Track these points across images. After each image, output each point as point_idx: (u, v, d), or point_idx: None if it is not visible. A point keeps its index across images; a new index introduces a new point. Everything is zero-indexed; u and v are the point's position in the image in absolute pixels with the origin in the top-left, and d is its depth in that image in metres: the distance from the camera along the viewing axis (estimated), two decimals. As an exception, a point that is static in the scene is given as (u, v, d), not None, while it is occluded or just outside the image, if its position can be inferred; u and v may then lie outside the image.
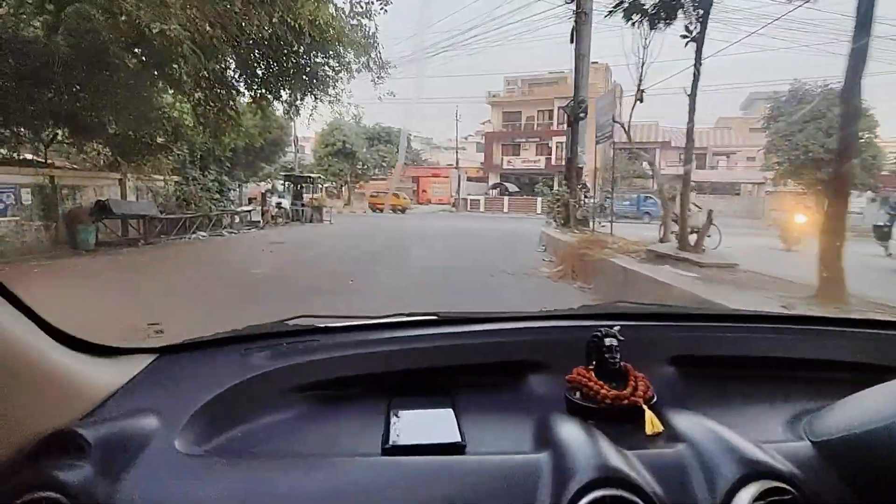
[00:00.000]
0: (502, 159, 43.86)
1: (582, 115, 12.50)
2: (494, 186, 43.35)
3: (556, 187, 43.65)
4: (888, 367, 0.98)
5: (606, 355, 0.97)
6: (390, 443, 0.85)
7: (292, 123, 23.61)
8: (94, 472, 0.72)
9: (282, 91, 11.45)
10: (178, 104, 11.41)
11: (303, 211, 21.04)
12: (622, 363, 0.98)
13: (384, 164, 41.82)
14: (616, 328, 1.00)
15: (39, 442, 0.75)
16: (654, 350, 1.12)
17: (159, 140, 12.26)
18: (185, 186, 15.92)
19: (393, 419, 0.93)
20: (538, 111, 43.41)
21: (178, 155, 15.29)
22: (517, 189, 42.68)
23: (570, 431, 0.83)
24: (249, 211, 19.25)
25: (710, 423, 0.85)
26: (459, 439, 0.86)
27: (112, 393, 0.92)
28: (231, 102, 11.06)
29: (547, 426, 0.88)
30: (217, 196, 17.27)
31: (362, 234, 18.21)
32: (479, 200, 40.31)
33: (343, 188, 40.39)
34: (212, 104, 10.70)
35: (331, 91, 12.45)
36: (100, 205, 12.03)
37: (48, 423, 0.78)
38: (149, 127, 11.46)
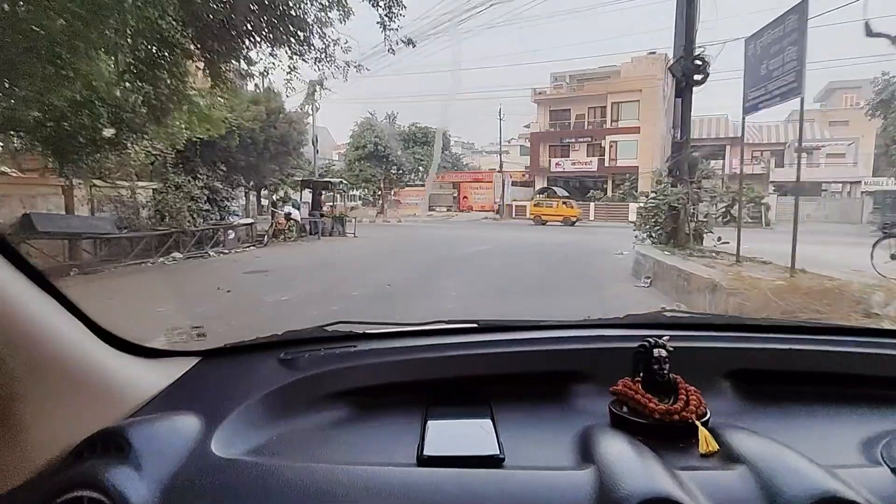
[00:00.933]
0: (549, 161, 39.81)
1: (698, 76, 8.25)
2: (542, 191, 39.25)
3: (609, 191, 39.76)
4: None
5: (655, 367, 0.91)
6: (426, 453, 0.83)
7: (309, 120, 20.31)
8: (133, 471, 0.75)
9: (242, 43, 7.70)
10: (108, 74, 7.88)
11: (319, 223, 17.27)
12: (672, 375, 0.92)
13: (421, 167, 37.72)
14: (665, 338, 0.94)
15: (83, 441, 0.79)
16: (708, 363, 1.06)
17: (105, 133, 8.88)
18: (165, 195, 12.70)
19: (429, 428, 0.91)
20: (589, 108, 39.22)
21: (155, 156, 12.14)
22: (566, 194, 38.61)
23: (616, 447, 0.80)
24: (249, 224, 15.67)
25: (771, 443, 0.81)
26: (497, 452, 0.83)
27: (155, 395, 0.96)
28: (175, 69, 7.50)
29: (590, 441, 0.85)
30: (207, 207, 14.00)
31: (389, 251, 14.57)
32: (525, 206, 36.33)
33: (377, 195, 36.70)
34: (145, 69, 7.21)
35: (316, 42, 8.46)
36: (23, 220, 8.92)
37: (93, 423, 0.82)
38: (84, 113, 8.14)
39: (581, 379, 1.06)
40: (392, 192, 36.48)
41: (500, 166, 37.45)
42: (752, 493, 0.69)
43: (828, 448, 0.83)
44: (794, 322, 1.47)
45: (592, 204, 34.67)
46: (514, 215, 35.87)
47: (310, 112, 18.86)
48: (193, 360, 1.11)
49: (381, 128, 32.82)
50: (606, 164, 37.32)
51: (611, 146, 37.38)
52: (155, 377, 0.99)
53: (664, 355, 0.92)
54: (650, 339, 0.94)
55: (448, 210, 42.41)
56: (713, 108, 34.69)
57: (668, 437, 0.85)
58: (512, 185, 37.96)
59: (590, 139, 38.69)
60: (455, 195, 43.40)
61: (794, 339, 1.16)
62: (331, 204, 20.78)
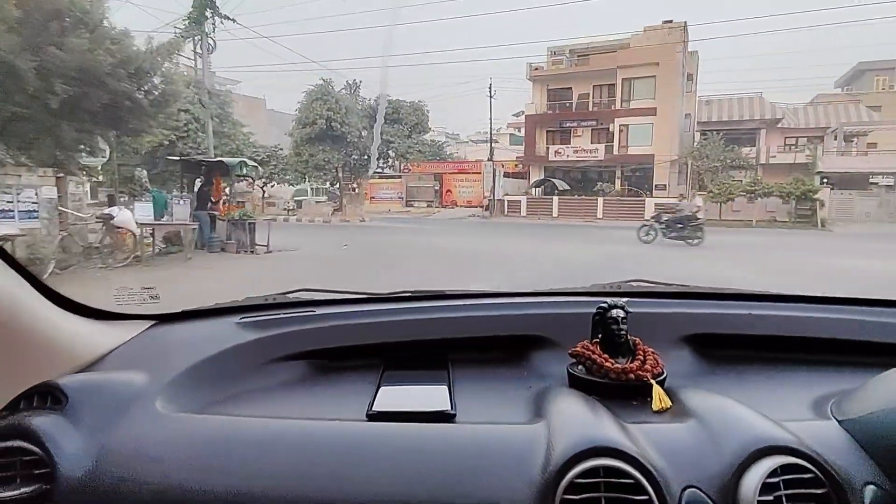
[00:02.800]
0: (547, 149, 33.86)
1: None
2: (539, 183, 33.37)
3: (617, 183, 33.91)
4: None
5: (613, 328, 0.93)
6: (375, 409, 0.85)
7: (191, 62, 13.72)
8: (68, 423, 0.76)
9: None
10: None
11: (206, 230, 10.18)
12: (631, 337, 0.94)
13: (392, 152, 30.92)
14: (623, 301, 0.96)
15: (21, 394, 0.81)
16: (669, 328, 1.09)
17: None
18: None
19: (383, 388, 0.93)
20: (594, 86, 33.39)
21: None
22: (567, 187, 32.70)
23: (569, 403, 0.83)
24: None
25: (725, 399, 0.83)
26: (449, 408, 0.84)
27: (103, 355, 0.97)
28: None
29: (545, 399, 0.87)
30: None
31: (297, 283, 8.54)
32: (519, 202, 30.31)
33: (337, 188, 27.95)
34: None
35: None
36: None
37: (37, 379, 0.83)
38: None
39: (543, 344, 1.08)
40: (355, 183, 29.56)
41: (491, 153, 31.39)
42: (700, 442, 0.73)
43: (780, 405, 0.85)
44: (753, 291, 1.30)
45: (600, 199, 28.69)
46: (506, 212, 29.83)
47: (198, 51, 12.32)
48: (147, 324, 1.11)
49: (338, 99, 25.60)
50: (615, 152, 31.44)
51: (620, 130, 31.52)
52: (106, 338, 1.00)
53: (621, 315, 0.94)
54: (608, 301, 0.95)
55: (429, 206, 36.25)
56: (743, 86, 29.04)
57: (625, 396, 0.88)
58: (504, 176, 31.81)
59: (595, 122, 32.86)
60: (437, 188, 37.24)
61: (753, 305, 1.20)
62: (237, 200, 14.17)
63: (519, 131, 47.93)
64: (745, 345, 1.11)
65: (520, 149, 40.44)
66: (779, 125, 31.30)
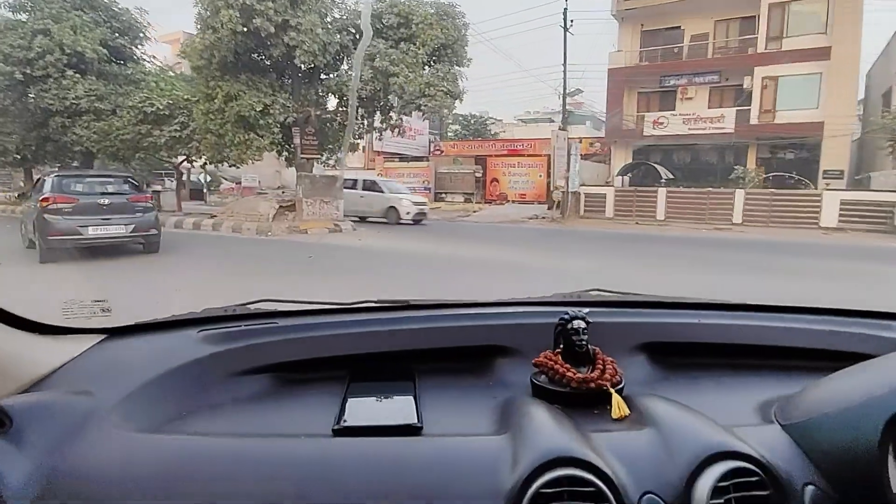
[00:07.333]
0: (640, 119, 23.02)
1: None
2: (629, 169, 22.57)
3: (752, 166, 21.63)
4: (856, 354, 1.03)
5: (574, 338, 0.96)
6: (342, 424, 0.84)
7: None
8: (13, 448, 0.72)
9: None
10: None
11: None
12: (591, 347, 0.98)
13: (395, 96, 14.30)
14: (584, 312, 1.00)
15: None
16: (626, 337, 1.13)
17: None
18: None
19: (349, 401, 0.93)
20: (717, 22, 22.26)
21: None
22: (670, 175, 21.81)
23: (533, 414, 0.85)
24: None
25: (678, 407, 0.87)
26: (415, 421, 0.85)
27: (50, 372, 0.92)
28: None
29: (510, 409, 0.89)
30: None
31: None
32: (602, 197, 19.57)
33: (293, 163, 15.66)
34: None
35: None
36: None
37: None
38: None
39: (506, 353, 1.10)
40: (333, 158, 17.15)
41: (564, 118, 20.50)
42: (656, 449, 0.76)
43: (729, 410, 0.90)
44: (704, 300, 1.36)
45: (739, 193, 17.63)
46: (583, 211, 19.20)
47: None
48: (98, 338, 1.05)
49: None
50: (755, 120, 20.25)
51: (764, 86, 20.36)
52: (53, 354, 0.95)
53: (582, 327, 0.97)
54: (570, 312, 0.99)
55: (467, 200, 26.03)
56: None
57: (585, 405, 0.91)
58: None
59: (717, 76, 21.83)
60: (479, 176, 26.95)
61: (703, 314, 1.24)
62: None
63: (578, 109, 36.60)
64: (695, 352, 1.16)
65: (579, 130, 29.60)
66: None
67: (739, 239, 14.57)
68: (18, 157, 17.20)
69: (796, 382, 0.94)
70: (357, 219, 15.68)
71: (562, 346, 0.98)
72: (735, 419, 0.85)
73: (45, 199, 7.61)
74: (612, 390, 0.90)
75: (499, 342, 1.10)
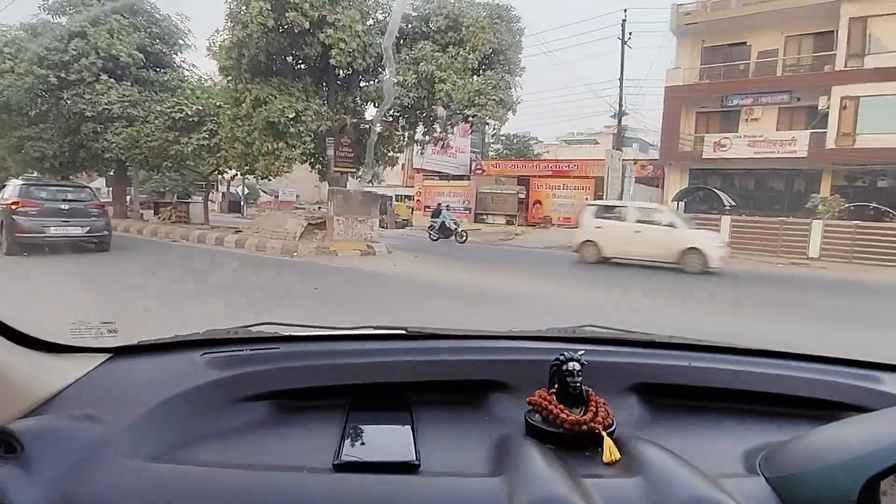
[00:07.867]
0: (700, 140, 21.39)
1: None
2: (686, 193, 20.89)
3: (826, 194, 18.87)
4: (843, 405, 1.04)
5: (568, 379, 0.97)
6: (342, 459, 0.85)
7: None
8: (25, 474, 0.72)
9: None
10: None
11: None
12: (584, 388, 0.98)
13: (440, 105, 12.98)
14: (581, 352, 1.01)
15: None
16: (618, 376, 1.13)
17: None
18: None
19: (348, 433, 0.93)
20: (788, 38, 20.64)
21: None
22: (732, 202, 19.98)
23: (527, 455, 0.86)
24: None
25: (667, 455, 0.87)
26: (413, 458, 0.86)
27: (56, 393, 0.92)
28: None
29: (504, 449, 0.90)
30: None
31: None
32: (659, 224, 17.78)
33: (325, 176, 14.39)
34: None
35: None
36: None
37: None
38: None
39: (501, 388, 1.10)
40: (369, 173, 15.29)
41: (617, 136, 19.06)
42: (643, 499, 0.76)
43: (715, 458, 0.91)
44: (696, 341, 1.36)
45: (817, 224, 15.80)
46: (637, 239, 17.52)
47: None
48: (102, 357, 1.06)
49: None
50: (831, 144, 18.37)
51: (843, 107, 18.49)
52: (59, 374, 0.96)
53: (577, 368, 0.97)
54: (565, 353, 0.99)
55: (509, 222, 24.65)
56: None
57: (578, 446, 0.92)
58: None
59: (787, 96, 20.02)
60: (522, 197, 25.59)
61: (694, 356, 1.23)
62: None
63: (625, 130, 34.57)
64: (685, 394, 1.15)
65: (627, 152, 27.93)
66: None
67: (822, 277, 12.76)
68: (56, 164, 16.65)
69: (782, 430, 0.97)
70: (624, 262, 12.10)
71: (556, 386, 0.98)
72: (721, 467, 0.87)
73: (15, 203, 9.25)
74: (604, 433, 0.91)
75: (494, 377, 1.11)
